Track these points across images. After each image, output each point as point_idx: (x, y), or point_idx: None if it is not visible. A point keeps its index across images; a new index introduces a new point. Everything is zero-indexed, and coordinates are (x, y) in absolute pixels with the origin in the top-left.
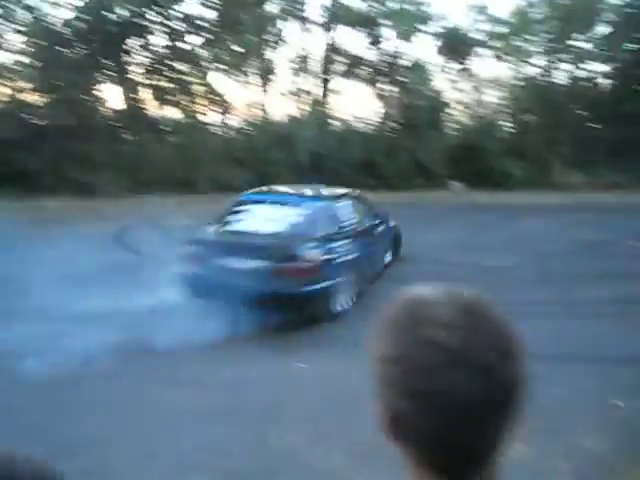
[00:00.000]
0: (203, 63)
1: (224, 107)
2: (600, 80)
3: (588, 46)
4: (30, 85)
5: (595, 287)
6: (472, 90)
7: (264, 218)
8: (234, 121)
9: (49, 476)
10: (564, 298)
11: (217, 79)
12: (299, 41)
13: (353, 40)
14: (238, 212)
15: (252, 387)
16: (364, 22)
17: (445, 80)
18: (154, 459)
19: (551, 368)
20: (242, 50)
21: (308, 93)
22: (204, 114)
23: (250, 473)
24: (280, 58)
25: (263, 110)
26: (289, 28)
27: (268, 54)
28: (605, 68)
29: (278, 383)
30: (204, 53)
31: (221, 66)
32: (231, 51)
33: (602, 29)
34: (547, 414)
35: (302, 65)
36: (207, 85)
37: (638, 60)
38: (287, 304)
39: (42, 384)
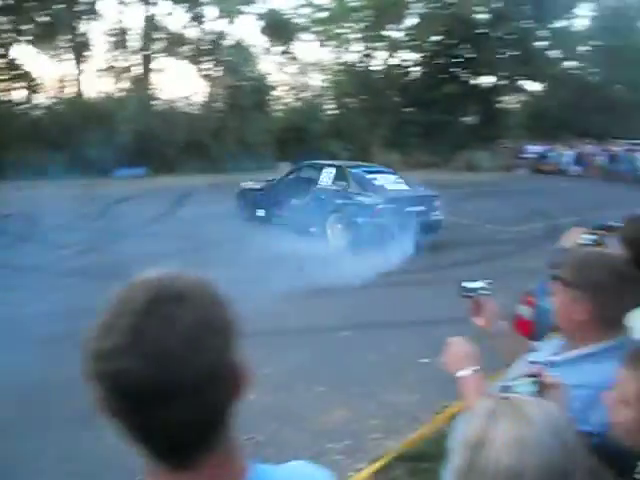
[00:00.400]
0: (3, 34)
1: (30, 84)
2: (412, 68)
3: (399, 35)
4: None
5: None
6: (297, 73)
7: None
8: (44, 99)
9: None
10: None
11: (22, 53)
12: (116, 14)
13: (175, 17)
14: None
15: None
16: None
17: (270, 62)
18: None
19: (365, 335)
20: (49, 20)
21: (128, 70)
22: (7, 91)
23: None
24: (96, 32)
25: (78, 87)
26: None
27: (82, 27)
28: (415, 56)
29: None
30: (3, 21)
31: (25, 38)
32: (36, 22)
33: (412, 20)
34: (363, 379)
35: (120, 40)
36: (8, 58)
37: (443, 50)
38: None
39: None
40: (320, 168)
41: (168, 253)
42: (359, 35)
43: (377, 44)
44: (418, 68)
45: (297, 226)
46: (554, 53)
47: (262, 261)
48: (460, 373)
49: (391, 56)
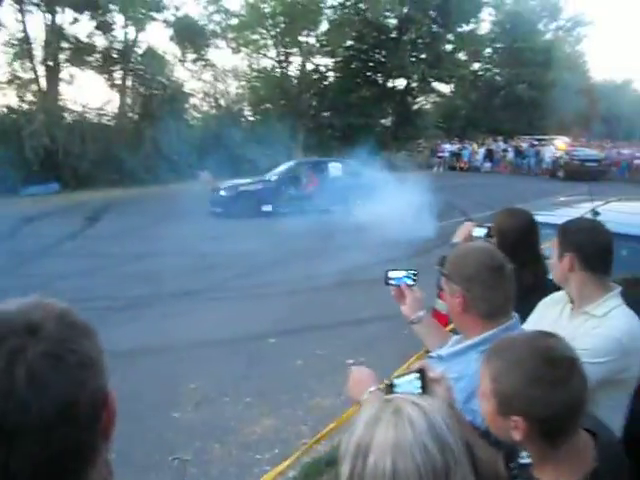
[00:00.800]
0: None
1: None
2: (328, 73)
3: (313, 41)
4: None
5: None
6: (212, 80)
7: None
8: None
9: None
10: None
11: None
12: (16, 23)
13: (80, 25)
14: None
15: None
16: (89, 5)
17: (185, 70)
18: None
19: (294, 341)
20: None
21: (32, 82)
22: None
23: None
24: None
25: None
26: (4, 8)
27: None
28: (330, 61)
29: None
30: None
31: None
32: None
33: (325, 26)
34: (291, 385)
35: (22, 51)
36: None
37: (356, 55)
38: None
39: None
40: (313, 164)
41: (83, 271)
42: (274, 41)
43: (292, 50)
44: (333, 73)
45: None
46: (461, 55)
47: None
48: (363, 398)
49: (306, 61)
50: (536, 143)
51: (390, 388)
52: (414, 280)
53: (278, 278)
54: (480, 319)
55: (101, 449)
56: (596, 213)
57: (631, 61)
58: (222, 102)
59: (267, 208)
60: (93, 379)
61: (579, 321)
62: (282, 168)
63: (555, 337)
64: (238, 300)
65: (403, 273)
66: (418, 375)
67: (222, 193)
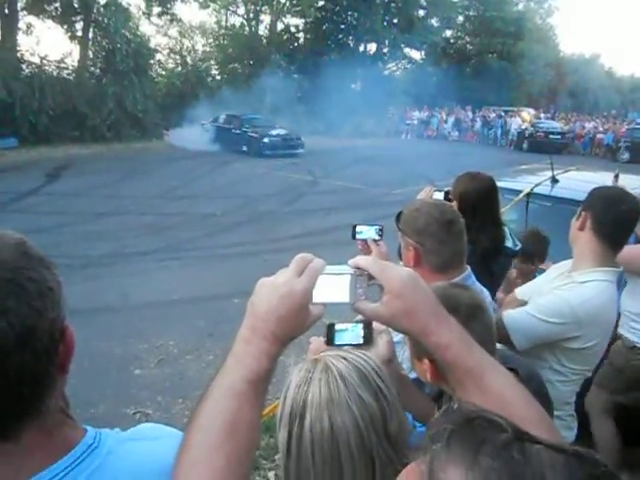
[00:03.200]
0: None
1: None
2: (298, 34)
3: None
4: None
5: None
6: (179, 36)
7: None
8: None
9: None
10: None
11: None
12: None
13: None
14: None
15: None
16: None
17: (150, 25)
18: None
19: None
20: None
21: None
22: None
23: None
24: None
25: None
26: None
27: None
28: (300, 22)
29: None
30: None
31: None
32: None
33: None
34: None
35: None
36: None
37: (327, 16)
38: None
39: None
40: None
41: (43, 229)
42: None
43: (262, 8)
44: (303, 34)
45: None
46: (434, 22)
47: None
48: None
49: (277, 21)
50: (503, 114)
51: (331, 329)
52: (380, 235)
53: (243, 239)
54: (432, 272)
55: (58, 380)
56: (555, 180)
57: (600, 36)
58: (188, 59)
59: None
60: (51, 309)
61: (562, 282)
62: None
63: (463, 287)
64: (201, 260)
65: (370, 228)
66: (362, 325)
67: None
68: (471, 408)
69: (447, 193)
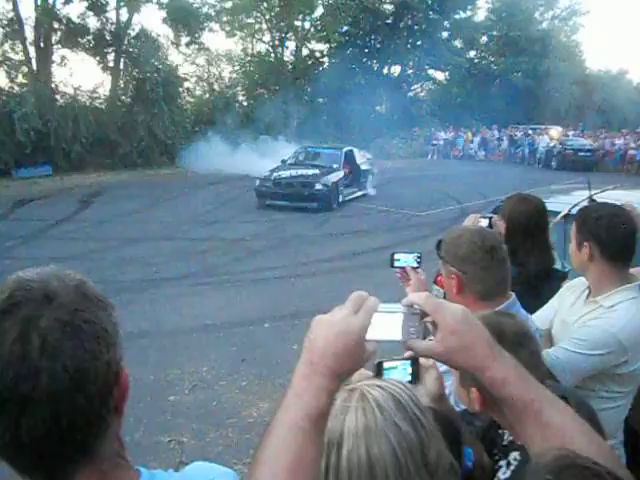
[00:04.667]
0: None
1: None
2: (323, 58)
3: (309, 26)
4: None
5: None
6: (206, 64)
7: None
8: None
9: None
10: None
11: None
12: (5, 3)
13: (71, 6)
14: None
15: None
16: None
17: (178, 54)
18: None
19: (289, 325)
20: None
21: (23, 64)
22: None
23: None
24: None
25: None
26: None
27: None
28: (325, 47)
29: None
30: None
31: None
32: None
33: (320, 11)
34: (284, 370)
35: (12, 31)
36: None
37: (352, 40)
38: None
39: None
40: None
41: (77, 255)
42: (268, 25)
43: (287, 34)
44: (328, 59)
45: None
46: (457, 43)
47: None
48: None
49: (301, 46)
50: (530, 132)
51: (379, 367)
52: (418, 263)
53: (273, 263)
54: (476, 300)
55: (112, 423)
56: (593, 201)
57: (627, 51)
58: (216, 86)
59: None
60: (106, 351)
61: (589, 309)
62: (336, 154)
63: (510, 316)
64: (231, 285)
65: (408, 256)
66: (410, 362)
67: (319, 187)
68: (562, 453)
69: (490, 219)
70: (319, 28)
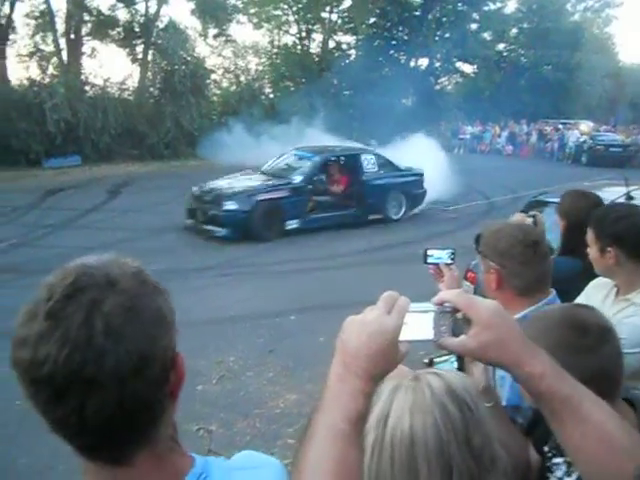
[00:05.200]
0: None
1: None
2: (350, 50)
3: (336, 18)
4: None
5: None
6: (233, 56)
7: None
8: None
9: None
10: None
11: None
12: None
13: None
14: None
15: None
16: None
17: (206, 45)
18: None
19: (316, 318)
20: None
21: (54, 55)
22: None
23: None
24: (17, 14)
25: (1, 75)
26: None
27: (3, 9)
28: (352, 39)
29: None
30: None
31: None
32: None
33: (347, 2)
34: (311, 362)
35: (44, 23)
36: None
37: (378, 33)
38: None
39: None
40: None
41: (105, 244)
42: (295, 17)
43: (314, 26)
44: (355, 51)
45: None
46: (486, 35)
47: None
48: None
49: (328, 39)
50: (560, 127)
51: (431, 363)
52: (452, 259)
53: (297, 256)
54: (515, 296)
55: (168, 408)
56: (630, 197)
57: None
58: (242, 78)
59: (292, 224)
60: (165, 337)
61: (620, 307)
62: (307, 165)
63: (588, 308)
64: (257, 276)
65: (442, 252)
66: (456, 356)
67: (230, 207)
68: None
69: (534, 217)
70: (346, 20)
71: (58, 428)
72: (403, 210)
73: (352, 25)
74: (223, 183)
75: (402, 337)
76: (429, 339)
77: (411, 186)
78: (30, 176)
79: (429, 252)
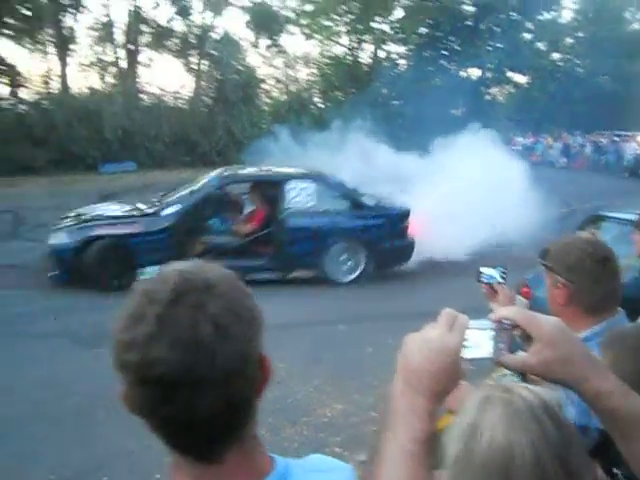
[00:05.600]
0: None
1: (14, 79)
2: (400, 60)
3: (387, 28)
4: None
5: None
6: (283, 66)
7: None
8: (28, 95)
9: None
10: None
11: (4, 47)
12: (100, 8)
13: (161, 10)
14: None
15: None
16: None
17: (257, 56)
18: None
19: (361, 328)
20: (31, 14)
21: (113, 65)
22: None
23: None
24: (80, 26)
25: (62, 83)
26: None
27: (66, 21)
28: (402, 49)
29: None
30: None
31: (7, 32)
32: (20, 15)
33: (399, 13)
34: (359, 371)
35: (105, 34)
36: None
37: (428, 43)
38: None
39: None
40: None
41: None
42: (346, 28)
43: (364, 37)
44: (405, 61)
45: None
46: (541, 45)
47: None
48: None
49: (378, 49)
50: (617, 139)
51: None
52: (503, 278)
53: None
54: (582, 313)
55: (255, 406)
56: None
57: None
58: (292, 88)
59: (150, 272)
60: (257, 337)
61: None
62: (195, 186)
63: None
64: (306, 285)
65: (494, 270)
66: (520, 376)
67: (54, 240)
68: None
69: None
70: (397, 30)
71: (163, 426)
72: (361, 268)
73: (403, 35)
74: (93, 208)
75: (463, 355)
76: (488, 357)
77: (379, 233)
78: (87, 180)
79: (482, 269)
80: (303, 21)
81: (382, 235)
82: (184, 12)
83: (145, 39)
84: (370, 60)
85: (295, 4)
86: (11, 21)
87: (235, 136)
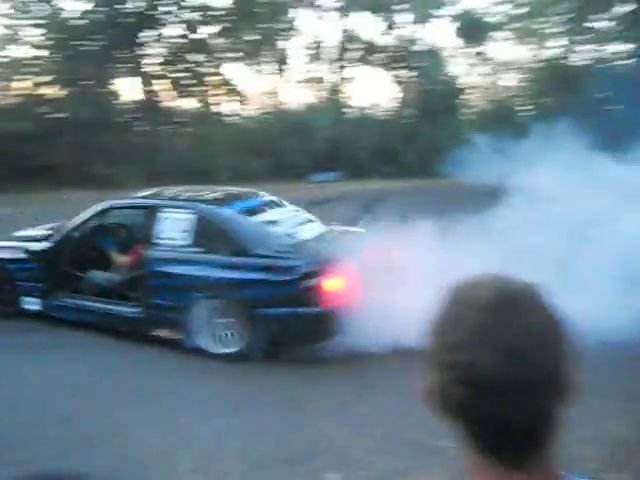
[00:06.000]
0: (217, 53)
1: (239, 97)
2: (622, 61)
3: (607, 26)
4: (47, 79)
5: None
6: (489, 74)
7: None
8: (250, 110)
9: None
10: None
11: (232, 69)
12: (313, 28)
13: (368, 26)
14: None
15: None
16: (379, 7)
17: (461, 64)
18: None
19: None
20: (256, 39)
21: (324, 80)
22: (219, 104)
23: None
24: (294, 46)
25: (279, 99)
26: (303, 15)
27: (282, 42)
28: (627, 48)
29: None
30: (219, 43)
31: (235, 55)
32: (245, 40)
33: (620, 9)
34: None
35: (317, 52)
36: (222, 75)
37: None
38: None
39: None
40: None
41: None
42: (559, 29)
43: (580, 37)
44: (628, 60)
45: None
46: None
47: None
48: None
49: (597, 49)
50: None
51: None
52: None
53: None
54: None
55: (559, 418)
56: None
57: None
58: (498, 96)
59: (31, 304)
60: (566, 348)
61: None
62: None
63: None
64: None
65: None
66: None
67: None
68: None
69: None
70: (618, 28)
71: (480, 426)
72: (245, 339)
73: (627, 33)
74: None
75: None
76: None
77: (267, 292)
78: (297, 189)
79: None
80: (512, 26)
81: (272, 296)
82: (394, 27)
83: (354, 54)
84: (585, 62)
85: (505, 8)
86: (239, 46)
87: (438, 146)
